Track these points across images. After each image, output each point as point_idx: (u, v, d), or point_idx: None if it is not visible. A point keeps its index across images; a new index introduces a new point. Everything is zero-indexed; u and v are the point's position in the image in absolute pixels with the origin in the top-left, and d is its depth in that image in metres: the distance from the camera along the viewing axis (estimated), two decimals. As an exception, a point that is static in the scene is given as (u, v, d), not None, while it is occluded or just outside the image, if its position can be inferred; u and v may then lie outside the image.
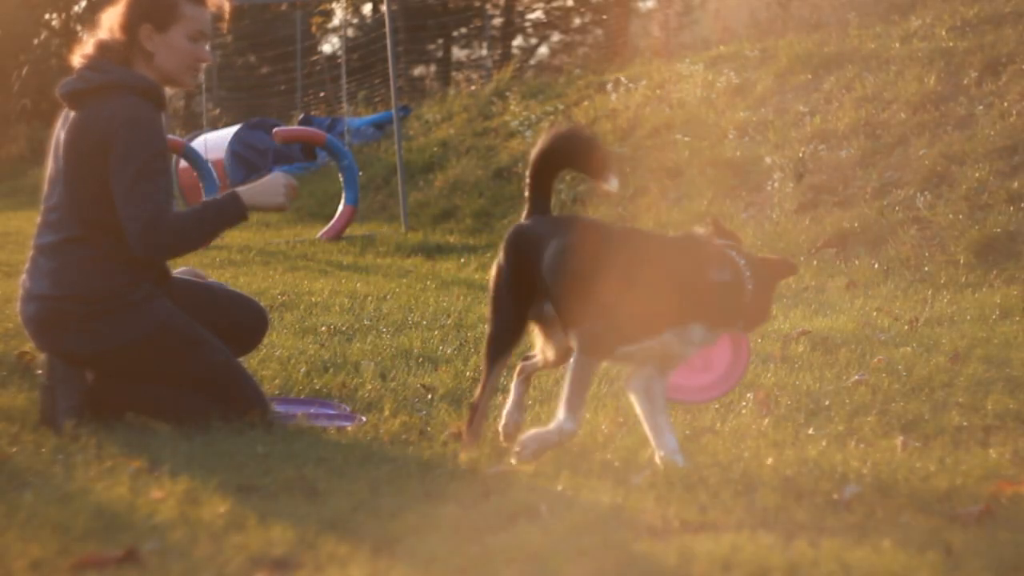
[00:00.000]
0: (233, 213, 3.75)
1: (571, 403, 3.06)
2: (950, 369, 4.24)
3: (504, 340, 3.34)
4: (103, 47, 3.76)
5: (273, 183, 3.80)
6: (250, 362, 4.25)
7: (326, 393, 4.22)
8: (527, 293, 3.33)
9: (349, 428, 3.62)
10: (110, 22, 3.80)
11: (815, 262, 7.16)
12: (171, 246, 3.68)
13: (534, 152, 3.45)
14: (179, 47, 3.77)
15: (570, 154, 3.42)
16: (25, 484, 2.95)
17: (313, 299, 6.51)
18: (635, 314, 3.07)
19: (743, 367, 3.53)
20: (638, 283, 3.08)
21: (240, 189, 3.79)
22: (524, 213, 3.48)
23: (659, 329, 3.07)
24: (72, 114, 3.75)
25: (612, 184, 3.33)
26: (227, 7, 3.91)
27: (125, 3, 3.78)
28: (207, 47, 3.88)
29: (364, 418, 3.79)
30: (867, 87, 9.08)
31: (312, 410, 3.96)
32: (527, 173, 3.48)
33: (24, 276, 3.80)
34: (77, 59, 3.79)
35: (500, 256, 3.42)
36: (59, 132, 3.80)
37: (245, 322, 4.01)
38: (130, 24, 3.75)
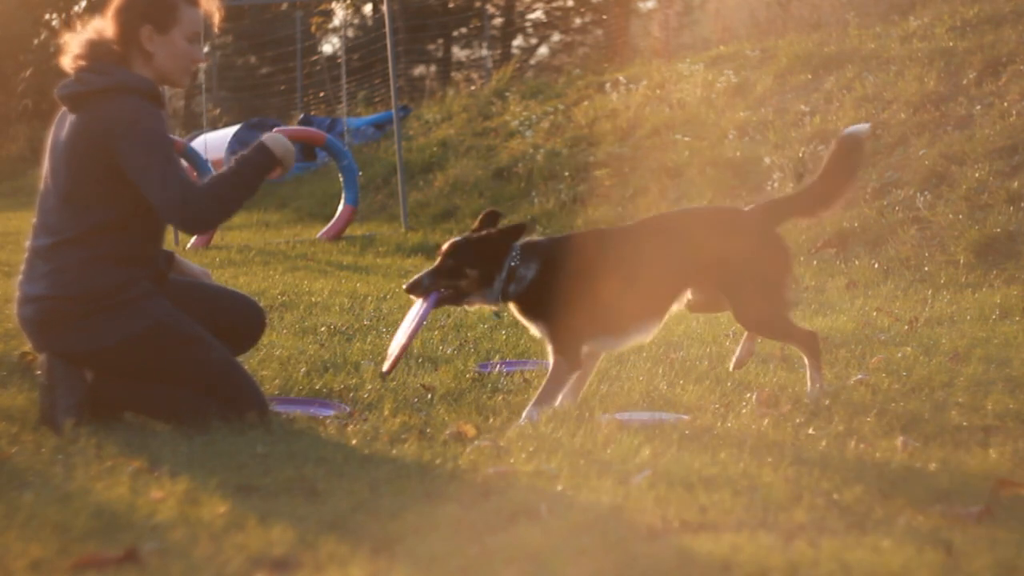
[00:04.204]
0: (260, 161, 3.75)
1: None
2: (950, 369, 4.24)
3: None
4: (95, 47, 3.76)
5: (283, 142, 3.81)
6: (250, 362, 4.25)
7: (326, 393, 4.22)
8: None
9: (349, 428, 3.62)
10: (100, 24, 3.80)
11: (815, 262, 7.16)
12: (212, 210, 3.68)
13: None
14: (179, 49, 3.79)
15: None
16: (25, 484, 2.95)
17: (313, 299, 6.51)
18: None
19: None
20: None
21: (265, 137, 3.82)
22: None
23: None
24: (69, 115, 3.75)
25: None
26: (218, 14, 3.93)
27: (122, 5, 3.77)
28: (202, 47, 3.91)
29: (347, 407, 3.84)
30: (867, 87, 9.08)
31: (312, 410, 3.96)
32: None
33: (20, 278, 3.79)
34: (69, 61, 3.78)
35: None
36: (54, 134, 3.80)
37: (243, 321, 4.01)
38: (130, 25, 3.75)
